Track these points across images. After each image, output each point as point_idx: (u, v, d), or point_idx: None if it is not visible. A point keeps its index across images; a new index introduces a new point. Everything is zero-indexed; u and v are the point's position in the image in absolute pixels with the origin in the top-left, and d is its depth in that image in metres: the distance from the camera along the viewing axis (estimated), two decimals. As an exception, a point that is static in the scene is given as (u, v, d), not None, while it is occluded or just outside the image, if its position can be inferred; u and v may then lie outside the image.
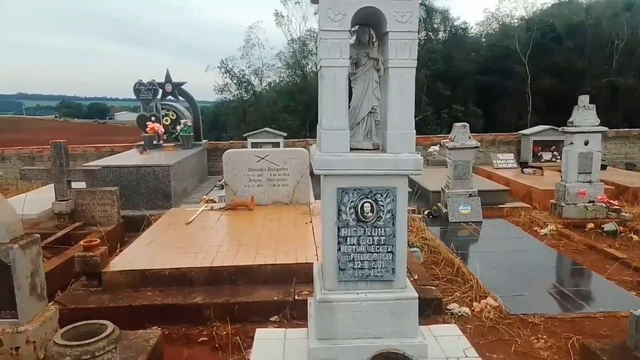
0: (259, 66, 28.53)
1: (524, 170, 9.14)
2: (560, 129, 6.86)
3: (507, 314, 3.88)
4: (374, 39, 2.43)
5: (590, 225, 6.47)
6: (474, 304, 4.06)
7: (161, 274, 4.02)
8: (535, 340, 3.52)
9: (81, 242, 4.15)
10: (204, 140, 10.66)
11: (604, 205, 6.71)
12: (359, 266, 2.38)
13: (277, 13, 26.34)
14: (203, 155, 10.33)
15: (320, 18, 2.19)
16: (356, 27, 2.41)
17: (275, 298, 3.83)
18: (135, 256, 4.34)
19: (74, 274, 4.27)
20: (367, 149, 2.37)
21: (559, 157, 10.39)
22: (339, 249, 2.36)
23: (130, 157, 8.44)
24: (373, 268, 2.39)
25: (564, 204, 6.71)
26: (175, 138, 9.87)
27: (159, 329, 3.66)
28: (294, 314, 3.80)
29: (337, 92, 2.23)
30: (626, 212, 6.79)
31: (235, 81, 28.34)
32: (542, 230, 6.35)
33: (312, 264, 4.09)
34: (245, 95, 28.59)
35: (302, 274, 4.10)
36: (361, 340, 2.38)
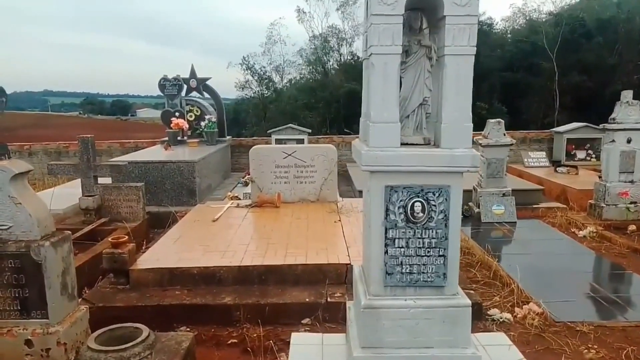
0: (280, 63, 28.47)
1: (558, 169, 8.81)
2: (601, 125, 6.55)
3: (553, 321, 3.66)
4: (425, 25, 2.24)
5: (632, 227, 6.15)
6: (516, 309, 3.85)
7: (189, 273, 3.91)
8: (586, 350, 3.29)
9: (109, 239, 4.06)
10: (228, 137, 10.58)
11: (648, 206, 6.38)
12: (407, 270, 2.20)
13: (299, 9, 26.18)
14: (227, 151, 10.25)
15: (370, 1, 2.01)
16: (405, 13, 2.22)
17: (307, 300, 3.68)
18: (163, 254, 4.24)
19: (100, 271, 4.19)
20: (417, 144, 2.19)
21: (594, 155, 10.02)
22: (386, 252, 2.19)
23: (155, 153, 8.40)
24: (423, 273, 2.21)
25: (604, 205, 6.40)
26: (199, 134, 9.82)
27: (188, 329, 3.56)
28: (326, 317, 3.65)
29: (388, 82, 2.05)
30: (671, 214, 6.46)
31: (256, 78, 28.35)
32: (581, 232, 6.07)
33: (344, 264, 3.96)
34: (266, 92, 28.58)
35: (333, 275, 3.94)
36: (408, 350, 2.21)
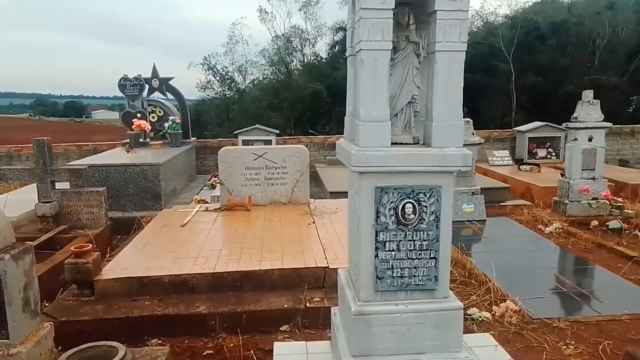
0: (243, 63, 28.14)
1: (521, 167, 9.03)
2: (563, 124, 6.73)
3: (530, 318, 3.68)
4: (412, 21, 2.18)
5: (595, 222, 6.36)
6: (494, 307, 3.86)
7: (160, 281, 3.71)
8: (564, 347, 3.32)
9: (71, 248, 3.80)
10: (193, 138, 10.29)
11: (608, 202, 6.61)
12: (398, 274, 2.13)
13: (261, 9, 25.92)
14: (192, 153, 9.96)
15: (360, -6, 1.93)
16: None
17: (285, 306, 3.56)
18: (130, 262, 4.02)
19: (61, 282, 3.93)
20: (406, 143, 2.12)
21: (554, 153, 10.35)
22: (376, 256, 2.11)
23: (117, 156, 8.05)
24: (414, 276, 2.14)
25: (568, 202, 6.59)
26: (162, 136, 9.50)
27: (161, 342, 3.37)
28: (305, 323, 3.54)
29: (378, 79, 1.97)
30: (628, 209, 6.71)
31: (218, 78, 27.91)
32: (547, 228, 6.21)
33: (322, 268, 3.86)
34: (229, 92, 28.18)
35: (311, 279, 3.84)
36: (400, 357, 2.13)
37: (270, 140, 9.67)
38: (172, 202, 7.26)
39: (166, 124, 9.32)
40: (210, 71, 27.34)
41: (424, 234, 2.11)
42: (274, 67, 27.69)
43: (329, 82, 22.55)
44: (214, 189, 7.85)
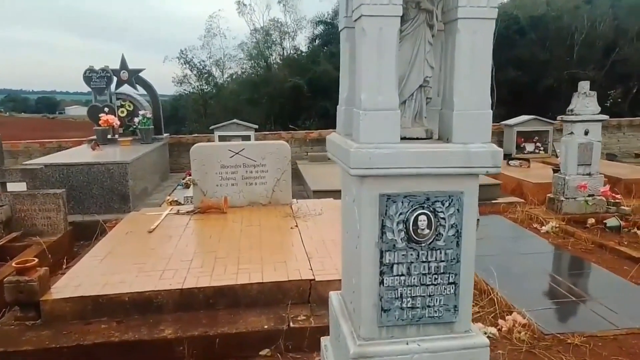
0: (220, 57, 27.41)
1: (510, 162, 8.71)
2: (558, 117, 6.39)
3: (542, 334, 3.29)
4: (422, -16, 1.72)
5: (592, 220, 6.04)
6: (500, 321, 3.45)
7: (119, 301, 3.19)
8: (583, 368, 2.94)
9: (13, 263, 3.25)
10: (166, 134, 9.68)
11: (604, 199, 6.31)
12: (408, 305, 1.67)
13: (239, 2, 25.19)
14: (164, 150, 9.36)
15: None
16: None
17: (266, 326, 3.08)
18: (86, 277, 3.48)
19: (3, 302, 3.37)
20: (418, 138, 1.67)
21: (542, 148, 10.08)
22: (381, 282, 1.65)
23: (81, 154, 7.42)
24: (428, 307, 1.69)
25: (563, 198, 6.26)
26: (132, 132, 8.87)
27: (118, 373, 2.87)
28: (289, 346, 3.08)
29: (385, 55, 1.50)
30: (625, 206, 6.43)
31: (195, 72, 27.12)
32: (543, 227, 5.87)
33: (307, 281, 3.39)
34: (206, 87, 27.43)
35: (295, 294, 3.38)
36: (412, 409, 1.68)
37: (249, 136, 9.13)
38: (142, 204, 6.69)
39: (136, 119, 8.70)
40: (187, 65, 26.53)
41: (441, 253, 1.65)
42: (252, 61, 27.01)
43: (310, 76, 22.06)
44: (188, 188, 7.29)
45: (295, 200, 5.67)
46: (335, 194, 6.28)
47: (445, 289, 1.68)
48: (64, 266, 4.26)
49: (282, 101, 22.51)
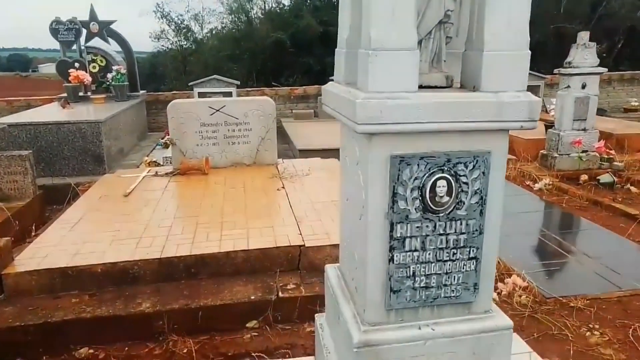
0: (199, 11, 26.24)
1: (501, 118, 8.44)
2: (556, 70, 6.11)
3: (543, 297, 3.14)
4: None
5: (584, 177, 5.91)
6: (499, 284, 3.28)
7: (91, 272, 2.92)
8: (589, 333, 2.80)
9: (-31, 234, 2.93)
10: (142, 91, 9.16)
11: (598, 155, 6.16)
12: (422, 284, 1.43)
13: (216, -51, 23.78)
14: (141, 108, 8.88)
15: None
16: None
17: (252, 297, 2.86)
18: (54, 246, 3.19)
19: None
20: (437, 87, 1.37)
21: (532, 103, 9.83)
22: (391, 259, 1.39)
23: (50, 113, 6.93)
24: (444, 285, 1.45)
25: (557, 155, 6.09)
26: (106, 88, 8.35)
27: (92, 351, 2.63)
28: (278, 317, 2.87)
29: (400, -25, 1.18)
30: (617, 161, 6.30)
31: (173, 27, 25.93)
32: (537, 184, 5.71)
33: (297, 247, 3.15)
34: (185, 43, 26.33)
35: (284, 261, 3.15)
36: (423, 399, 1.46)
37: (230, 93, 8.67)
38: (119, 165, 6.32)
39: (109, 75, 8.15)
40: (164, 19, 25.30)
41: (462, 224, 1.40)
42: (233, 15, 25.85)
43: (293, 31, 21.24)
44: (168, 148, 6.92)
45: (281, 160, 5.37)
46: (323, 153, 6.00)
47: (464, 265, 1.44)
48: (33, 233, 3.95)
49: (264, 57, 21.74)
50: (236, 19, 25.99)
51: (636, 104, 11.19)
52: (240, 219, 3.58)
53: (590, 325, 2.86)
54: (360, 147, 1.37)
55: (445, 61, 1.41)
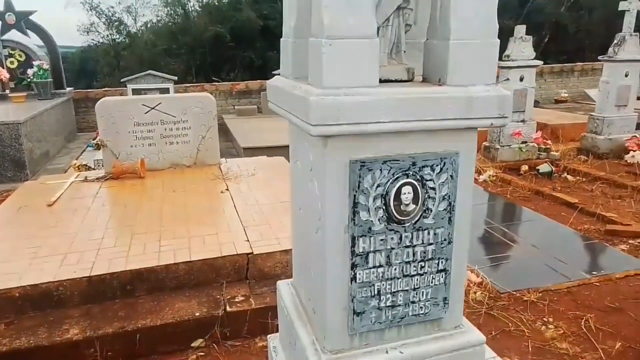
0: (132, 3, 25.04)
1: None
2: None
3: (497, 292, 3.12)
4: None
5: (525, 167, 6.08)
6: (453, 282, 3.23)
7: (7, 297, 2.56)
8: (544, 327, 2.79)
9: None
10: (69, 88, 8.48)
11: (536, 145, 6.35)
12: (388, 303, 1.27)
13: (147, -63, 22.71)
14: (69, 106, 8.22)
15: None
16: None
17: (197, 314, 2.61)
18: (-37, 269, 2.77)
19: None
20: (398, 80, 1.21)
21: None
22: (353, 278, 1.22)
23: (-40, 113, 6.22)
24: (412, 303, 1.30)
25: (499, 146, 6.22)
26: (27, 86, 7.65)
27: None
28: (226, 333, 2.65)
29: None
30: (554, 151, 6.55)
31: (103, 20, 24.57)
32: (481, 176, 5.78)
33: (244, 255, 2.94)
34: (118, 36, 25.04)
35: (231, 271, 2.92)
36: None
37: (168, 89, 8.20)
38: (44, 170, 5.78)
39: (30, 71, 7.47)
40: (93, 11, 23.91)
41: (429, 234, 1.25)
42: (168, 8, 24.82)
43: (232, 24, 20.70)
44: (100, 150, 6.42)
45: (224, 159, 5.09)
46: (269, 150, 5.77)
47: (433, 278, 1.29)
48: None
49: (203, 52, 21.07)
50: (172, 12, 25.02)
51: (566, 95, 11.78)
52: (181, 227, 3.30)
53: (545, 319, 2.86)
54: (315, 151, 1.19)
55: (405, 52, 1.25)
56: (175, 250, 2.95)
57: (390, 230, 1.22)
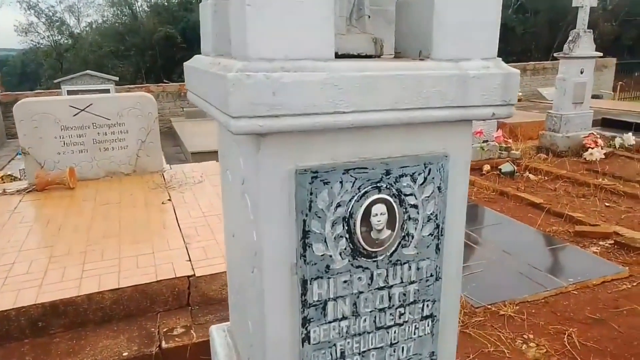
0: (74, 2, 23.85)
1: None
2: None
3: (472, 307, 2.83)
4: None
5: (487, 167, 5.92)
6: (423, 297, 2.92)
7: None
8: (525, 346, 2.52)
9: None
10: (-5, 91, 7.71)
11: (497, 144, 6.21)
12: (355, 367, 0.91)
13: None
14: (-5, 111, 7.46)
15: None
16: None
17: (125, 354, 2.17)
18: None
19: None
20: (361, 56, 0.85)
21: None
22: (306, 338, 0.85)
23: None
24: (389, 363, 0.94)
25: (461, 147, 6.02)
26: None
27: None
28: (163, 373, 2.22)
29: None
30: (514, 149, 6.45)
31: (43, 20, 23.28)
32: (444, 178, 5.57)
33: (184, 278, 2.52)
34: (60, 37, 23.79)
35: (169, 298, 2.49)
36: None
37: (108, 90, 7.57)
38: (-39, 182, 5.09)
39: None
40: (32, 11, 22.58)
41: (410, 269, 0.90)
42: (115, 8, 23.79)
43: (183, 25, 20.04)
44: (30, 158, 5.77)
45: (168, 166, 4.62)
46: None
47: (417, 328, 0.95)
48: None
49: (154, 53, 20.27)
50: (119, 12, 24.05)
51: (520, 94, 11.91)
52: (111, 246, 2.83)
53: (525, 336, 2.59)
54: (246, 156, 0.81)
55: (369, 17, 0.89)
56: (102, 275, 2.49)
57: (358, 267, 0.86)
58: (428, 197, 0.87)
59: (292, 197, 0.78)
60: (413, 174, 0.84)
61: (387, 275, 0.88)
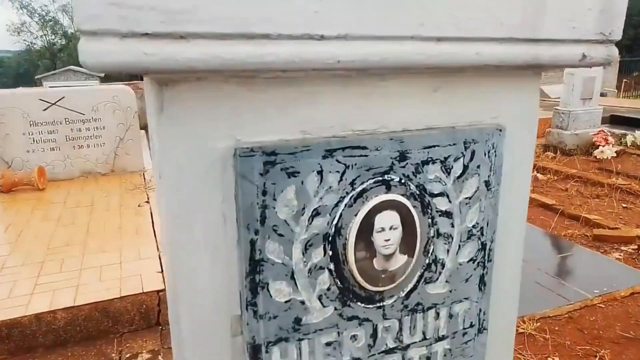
0: (68, 2, 23.53)
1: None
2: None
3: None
4: None
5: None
6: (430, 312, 2.57)
7: None
8: (550, 370, 2.17)
9: None
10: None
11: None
12: None
13: None
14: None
15: None
16: None
17: (79, 386, 1.81)
18: None
19: None
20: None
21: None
22: None
23: None
24: None
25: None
26: None
27: None
28: (124, 409, 1.86)
29: None
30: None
31: (37, 20, 22.98)
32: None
33: (153, 293, 2.16)
34: (53, 37, 23.49)
35: (135, 316, 2.13)
36: None
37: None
38: None
39: None
40: (24, 10, 22.25)
41: (438, 316, 0.54)
42: (109, 7, 23.44)
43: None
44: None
45: (150, 165, 4.26)
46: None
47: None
48: None
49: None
50: (114, 11, 23.73)
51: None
52: (73, 255, 2.47)
53: (550, 358, 2.24)
54: (153, 128, 0.46)
55: None
56: (56, 291, 2.14)
57: (351, 319, 0.50)
58: (469, 198, 0.51)
59: (229, 199, 0.42)
60: (445, 159, 0.49)
61: (400, 330, 0.53)
